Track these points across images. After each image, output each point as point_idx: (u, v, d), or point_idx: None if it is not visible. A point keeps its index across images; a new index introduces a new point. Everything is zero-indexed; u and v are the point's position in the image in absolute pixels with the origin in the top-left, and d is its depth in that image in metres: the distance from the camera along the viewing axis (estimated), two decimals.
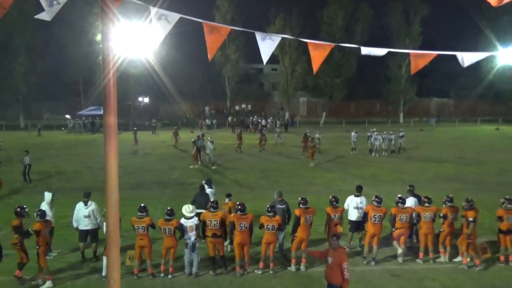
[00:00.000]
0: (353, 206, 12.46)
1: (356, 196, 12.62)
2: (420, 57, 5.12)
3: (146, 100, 64.32)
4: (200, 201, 12.54)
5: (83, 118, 55.35)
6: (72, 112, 57.73)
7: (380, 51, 5.08)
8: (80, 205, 11.67)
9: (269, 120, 55.81)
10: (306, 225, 11.02)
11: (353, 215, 12.47)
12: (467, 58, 5.25)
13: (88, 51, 55.39)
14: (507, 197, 11.44)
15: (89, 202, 11.67)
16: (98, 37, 53.26)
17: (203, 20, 3.98)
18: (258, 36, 4.22)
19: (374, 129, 33.48)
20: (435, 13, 70.92)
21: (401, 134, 33.41)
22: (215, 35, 4.03)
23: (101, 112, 40.88)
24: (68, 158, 30.38)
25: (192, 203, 12.08)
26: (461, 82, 70.00)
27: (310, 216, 11.09)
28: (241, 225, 10.68)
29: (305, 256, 10.93)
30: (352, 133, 33.56)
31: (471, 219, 10.94)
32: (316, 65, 4.54)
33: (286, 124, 55.08)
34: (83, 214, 11.55)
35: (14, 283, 10.20)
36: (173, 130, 39.41)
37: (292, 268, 10.95)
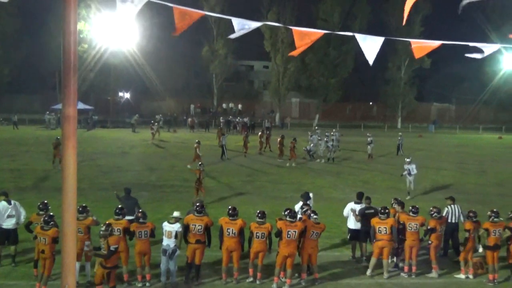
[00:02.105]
0: (353, 214, 12.47)
1: (357, 203, 12.67)
2: (423, 46, 5.09)
3: (127, 95, 63.98)
4: (128, 205, 12.13)
5: (50, 113, 54.26)
6: (47, 106, 57.21)
7: (377, 39, 5.04)
8: (2, 205, 11.60)
9: (242, 119, 55.00)
10: (289, 240, 10.50)
11: (353, 223, 12.50)
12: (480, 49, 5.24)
13: None
14: (494, 210, 11.64)
15: (12, 201, 11.69)
16: (79, 25, 52.86)
17: (173, 5, 3.92)
18: (236, 23, 4.20)
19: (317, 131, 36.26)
20: (437, 13, 71.40)
21: (369, 139, 32.85)
22: (187, 21, 3.98)
23: (79, 106, 40.31)
24: (40, 156, 30.03)
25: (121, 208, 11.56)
26: (464, 87, 70.58)
27: (295, 231, 10.50)
28: (228, 230, 10.57)
29: (290, 276, 10.65)
30: (313, 136, 33.83)
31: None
32: (299, 48, 4.55)
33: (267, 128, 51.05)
34: (7, 214, 11.54)
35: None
36: (218, 129, 40.56)
37: (274, 286, 10.61)
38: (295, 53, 4.94)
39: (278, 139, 31.30)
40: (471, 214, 11.68)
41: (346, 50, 62.67)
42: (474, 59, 5.70)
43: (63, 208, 3.60)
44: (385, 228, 11.29)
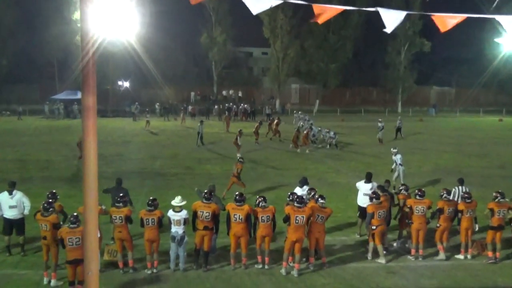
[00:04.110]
0: (362, 192, 13.04)
1: (366, 183, 13.15)
2: (447, 20, 5.04)
3: (127, 84, 63.76)
4: (118, 196, 11.45)
5: (58, 103, 54.27)
6: (45, 96, 57.18)
7: (399, 13, 5.02)
8: (4, 195, 11.65)
9: (243, 106, 55.47)
10: (297, 225, 10.57)
11: (362, 201, 12.94)
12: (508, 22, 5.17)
13: (64, 31, 54.64)
14: (500, 191, 11.84)
15: (14, 192, 11.70)
16: (75, 15, 52.66)
17: None
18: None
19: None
20: None
21: (380, 125, 33.16)
22: None
23: (78, 96, 40.52)
24: (42, 146, 30.07)
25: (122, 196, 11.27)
26: (463, 70, 70.32)
27: (303, 217, 10.57)
28: (235, 216, 10.71)
29: (298, 261, 10.73)
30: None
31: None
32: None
33: (268, 114, 50.88)
34: (8, 205, 11.59)
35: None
36: (225, 115, 42.51)
37: (283, 271, 10.72)
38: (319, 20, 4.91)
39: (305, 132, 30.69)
40: (465, 195, 11.82)
41: (345, 35, 62.38)
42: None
43: (84, 195, 3.67)
44: (384, 211, 11.46)
